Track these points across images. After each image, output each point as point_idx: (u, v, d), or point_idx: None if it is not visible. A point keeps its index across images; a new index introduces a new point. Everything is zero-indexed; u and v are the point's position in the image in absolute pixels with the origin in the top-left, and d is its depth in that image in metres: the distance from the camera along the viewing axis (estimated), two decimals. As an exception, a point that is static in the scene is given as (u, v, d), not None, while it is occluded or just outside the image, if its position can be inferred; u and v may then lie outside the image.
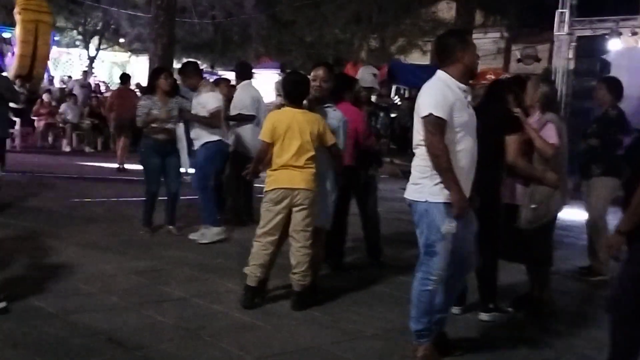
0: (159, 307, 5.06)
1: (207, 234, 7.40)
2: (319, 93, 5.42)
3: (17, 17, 8.90)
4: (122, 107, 13.46)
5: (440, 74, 4.20)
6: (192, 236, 7.49)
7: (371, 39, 26.97)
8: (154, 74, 7.87)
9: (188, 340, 4.48)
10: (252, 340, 4.55)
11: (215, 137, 7.43)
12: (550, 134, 5.30)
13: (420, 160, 4.15)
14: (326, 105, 5.49)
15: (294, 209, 5.14)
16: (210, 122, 7.37)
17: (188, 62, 8.50)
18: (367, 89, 6.90)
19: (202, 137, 7.44)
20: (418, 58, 26.81)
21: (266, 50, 28.69)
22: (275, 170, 5.20)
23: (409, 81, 21.20)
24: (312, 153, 5.14)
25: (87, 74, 23.93)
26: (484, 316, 5.24)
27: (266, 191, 5.23)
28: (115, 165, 13.51)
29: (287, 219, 5.19)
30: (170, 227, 7.73)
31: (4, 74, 9.48)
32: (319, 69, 5.53)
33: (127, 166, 13.33)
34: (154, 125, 7.45)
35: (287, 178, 5.13)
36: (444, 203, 4.06)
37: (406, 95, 23.23)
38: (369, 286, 6.06)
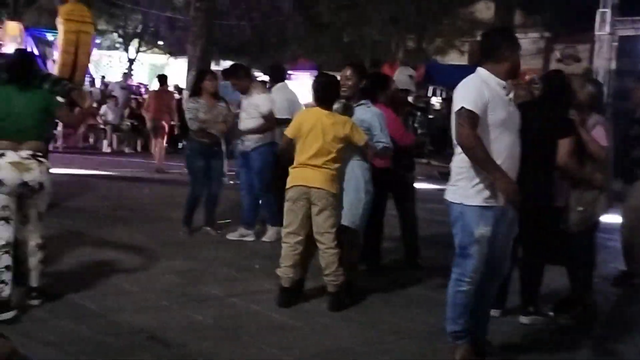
0: (199, 307, 5.13)
1: (271, 233, 7.46)
2: (347, 93, 5.46)
3: (60, 26, 9.04)
4: (159, 109, 13.62)
5: (480, 70, 4.17)
6: (230, 236, 7.56)
7: (408, 39, 26.85)
8: (199, 76, 7.91)
9: (226, 340, 4.54)
10: (289, 340, 4.58)
11: (268, 140, 7.42)
12: (601, 136, 5.22)
13: (458, 160, 4.12)
14: (360, 103, 5.50)
15: (313, 211, 5.16)
16: (266, 127, 7.36)
17: (237, 64, 8.49)
18: (404, 91, 6.89)
19: (255, 140, 7.42)
20: (456, 59, 26.61)
21: (303, 51, 28.76)
22: (294, 168, 5.26)
23: (447, 82, 21.06)
24: (333, 155, 5.15)
25: (127, 76, 24.26)
26: (524, 319, 5.20)
27: (286, 189, 5.29)
28: (154, 166, 13.64)
29: (309, 217, 5.21)
30: (209, 228, 7.80)
31: None
32: (345, 69, 5.62)
33: (165, 167, 13.50)
34: (200, 128, 7.49)
35: (303, 176, 5.18)
36: (479, 207, 4.03)
37: (443, 95, 23.09)
38: (406, 287, 6.05)
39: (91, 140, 18.09)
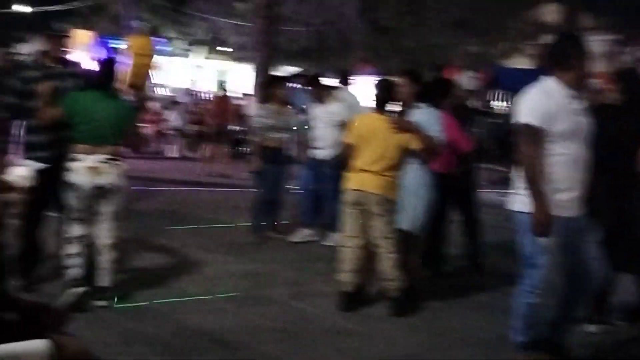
0: (260, 309, 5.19)
1: (337, 237, 7.52)
2: (401, 98, 5.49)
3: (130, 58, 9.26)
4: (221, 114, 13.82)
5: (546, 81, 4.07)
6: (293, 239, 7.61)
7: (472, 43, 26.56)
8: (269, 83, 8.01)
9: (288, 343, 4.57)
10: (349, 344, 4.59)
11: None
12: None
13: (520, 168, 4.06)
14: (418, 106, 5.45)
15: (371, 215, 5.16)
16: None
17: (316, 74, 8.60)
18: (467, 92, 6.82)
19: (332, 147, 7.40)
20: (521, 62, 26.20)
21: (366, 56, 28.77)
22: (352, 172, 5.27)
23: (512, 86, 20.67)
24: (391, 160, 5.15)
25: (193, 82, 24.68)
26: (591, 328, 5.06)
27: (344, 193, 5.33)
28: (216, 171, 13.80)
29: (367, 222, 5.21)
30: (272, 232, 7.87)
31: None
32: (400, 77, 5.65)
33: (227, 172, 13.68)
34: (269, 134, 7.56)
35: (360, 180, 5.19)
36: None
37: (508, 100, 22.73)
38: (469, 294, 5.98)
39: (157, 145, 18.49)
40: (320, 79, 7.94)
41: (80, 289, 4.83)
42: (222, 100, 14.28)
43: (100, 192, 4.87)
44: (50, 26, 5.59)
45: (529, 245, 4.01)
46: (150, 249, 6.92)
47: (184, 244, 7.28)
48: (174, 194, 11.09)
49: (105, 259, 5.01)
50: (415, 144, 5.18)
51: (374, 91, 5.48)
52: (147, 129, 18.04)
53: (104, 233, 5.00)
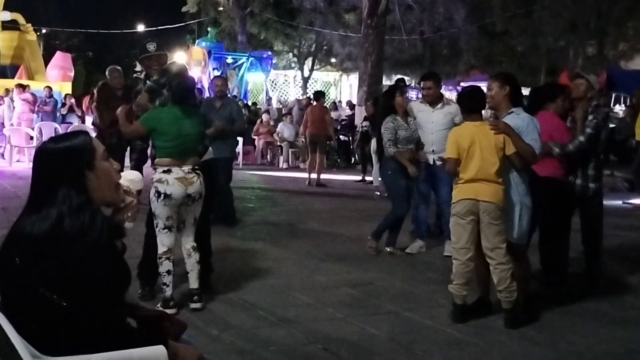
0: (372, 320, 5.16)
1: (414, 246, 7.46)
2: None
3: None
4: (315, 124, 13.92)
5: None
6: (409, 250, 7.48)
7: (588, 45, 25.59)
8: (389, 93, 7.64)
9: (400, 354, 4.53)
10: (464, 357, 4.50)
11: None
12: None
13: None
14: (510, 111, 5.24)
15: (482, 225, 5.03)
16: None
17: (432, 72, 8.46)
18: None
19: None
20: (640, 63, 25.03)
21: (476, 62, 28.29)
22: (461, 183, 5.16)
23: (631, 88, 19.84)
24: (497, 165, 5.01)
25: (302, 94, 25.00)
26: None
27: (453, 204, 5.20)
28: (314, 180, 13.84)
29: (478, 232, 5.09)
30: (392, 247, 7.52)
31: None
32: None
33: (323, 180, 13.82)
34: (399, 146, 7.24)
35: (472, 190, 5.07)
36: None
37: (628, 103, 21.74)
38: (589, 304, 5.71)
39: (269, 157, 18.86)
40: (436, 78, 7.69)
41: (173, 310, 5.00)
42: (316, 110, 14.30)
43: (188, 201, 5.14)
44: (146, 47, 5.79)
45: None
46: (263, 257, 7.05)
47: (296, 253, 7.38)
48: (285, 203, 11.26)
49: (192, 261, 5.24)
50: (510, 148, 5.02)
51: (460, 98, 5.48)
52: (259, 140, 18.50)
53: (188, 239, 5.26)
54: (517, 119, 5.16)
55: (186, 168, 5.10)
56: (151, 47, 5.64)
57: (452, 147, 5.21)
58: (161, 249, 5.15)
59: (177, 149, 5.12)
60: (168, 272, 5.14)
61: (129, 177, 2.81)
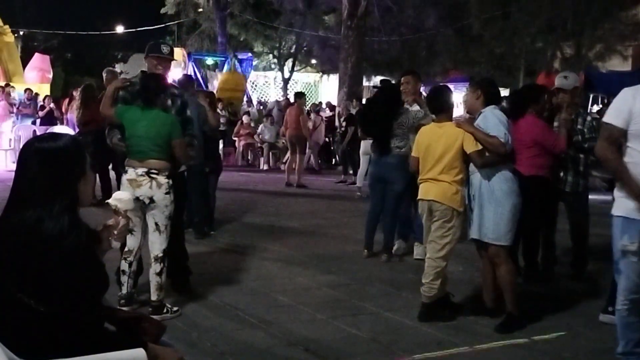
0: (353, 320, 5.17)
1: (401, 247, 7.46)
2: (467, 107, 5.50)
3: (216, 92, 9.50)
4: (293, 125, 13.95)
5: None
6: (416, 256, 7.32)
7: (565, 46, 25.80)
8: (396, 88, 7.49)
9: (381, 354, 4.55)
10: (444, 356, 4.52)
11: None
12: None
13: None
14: (482, 111, 5.16)
15: (432, 220, 5.16)
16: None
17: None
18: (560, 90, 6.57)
19: None
20: (618, 64, 25.20)
21: (454, 64, 28.42)
22: (420, 183, 5.32)
23: (608, 89, 19.99)
24: (451, 166, 5.07)
25: (282, 95, 24.95)
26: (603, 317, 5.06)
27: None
28: (292, 180, 13.92)
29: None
30: (386, 254, 7.35)
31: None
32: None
33: (304, 182, 13.86)
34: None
35: (423, 189, 5.24)
36: (622, 217, 3.85)
37: (604, 103, 21.96)
38: (574, 306, 5.73)
39: (249, 158, 18.83)
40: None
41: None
42: (293, 111, 14.31)
43: (139, 204, 4.95)
44: (159, 47, 5.59)
45: (613, 249, 3.94)
46: (244, 259, 7.04)
47: (276, 255, 7.38)
48: (265, 204, 11.24)
49: (151, 273, 5.10)
50: (470, 146, 4.99)
51: (428, 100, 5.58)
52: (239, 142, 18.45)
53: (153, 245, 5.10)
54: (481, 116, 5.14)
55: (140, 170, 4.99)
56: (165, 49, 5.51)
57: (414, 146, 5.45)
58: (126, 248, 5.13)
59: (131, 148, 5.09)
60: (123, 272, 5.12)
61: (117, 197, 2.80)
